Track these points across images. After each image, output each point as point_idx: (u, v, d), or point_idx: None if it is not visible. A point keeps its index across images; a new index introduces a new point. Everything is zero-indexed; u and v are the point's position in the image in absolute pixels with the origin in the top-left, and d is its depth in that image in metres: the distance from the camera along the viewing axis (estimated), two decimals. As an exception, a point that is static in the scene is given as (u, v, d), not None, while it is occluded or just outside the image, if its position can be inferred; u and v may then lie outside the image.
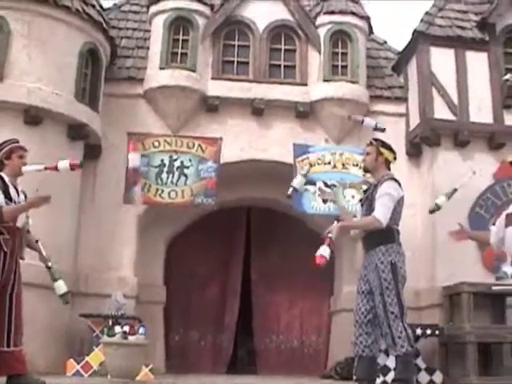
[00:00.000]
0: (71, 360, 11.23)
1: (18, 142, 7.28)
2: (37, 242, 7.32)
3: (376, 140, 6.90)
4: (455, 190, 7.69)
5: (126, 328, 9.87)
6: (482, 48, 14.25)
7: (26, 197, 7.20)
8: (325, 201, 12.68)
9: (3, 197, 6.80)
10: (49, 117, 12.19)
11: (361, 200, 7.08)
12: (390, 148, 6.79)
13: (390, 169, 6.76)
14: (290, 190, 7.23)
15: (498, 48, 14.27)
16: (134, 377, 9.38)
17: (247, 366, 16.40)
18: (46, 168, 7.19)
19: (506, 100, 13.88)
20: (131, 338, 9.58)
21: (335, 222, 6.60)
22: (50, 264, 7.23)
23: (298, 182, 7.28)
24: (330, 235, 6.40)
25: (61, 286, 7.26)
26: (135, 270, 13.33)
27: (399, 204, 6.51)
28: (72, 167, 7.27)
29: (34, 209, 7.01)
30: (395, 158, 6.88)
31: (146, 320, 12.24)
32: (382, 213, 6.35)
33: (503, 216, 7.41)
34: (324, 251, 6.30)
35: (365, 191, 6.96)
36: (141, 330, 9.88)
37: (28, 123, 12.05)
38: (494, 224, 7.79)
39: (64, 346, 11.98)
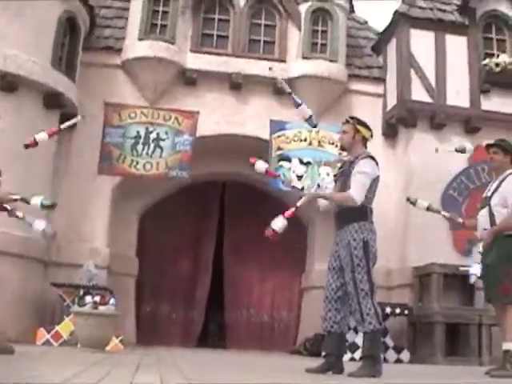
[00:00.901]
0: (41, 329, 11.20)
1: None
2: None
3: (352, 118, 6.89)
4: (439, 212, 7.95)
5: (97, 298, 9.87)
6: (462, 32, 14.30)
7: None
8: (299, 177, 12.72)
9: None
10: (24, 84, 12.08)
11: (335, 176, 7.09)
12: (366, 125, 6.77)
13: (366, 147, 6.77)
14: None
15: (478, 33, 14.33)
16: (103, 347, 9.39)
17: (217, 341, 16.48)
18: (26, 146, 7.12)
19: (484, 85, 13.96)
20: (101, 309, 9.57)
21: (313, 189, 6.63)
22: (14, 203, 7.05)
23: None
24: (297, 204, 6.48)
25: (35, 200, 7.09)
26: (108, 241, 13.31)
27: (375, 183, 6.51)
28: (50, 134, 7.21)
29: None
30: (372, 136, 6.87)
31: (118, 291, 12.26)
32: (357, 191, 6.35)
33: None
34: (277, 224, 6.52)
35: (340, 167, 6.96)
36: (111, 301, 9.87)
37: (3, 90, 11.93)
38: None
39: (35, 315, 11.95)
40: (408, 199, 8.06)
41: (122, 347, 10.76)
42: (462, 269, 11.83)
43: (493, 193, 7.29)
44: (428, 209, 7.88)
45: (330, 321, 6.49)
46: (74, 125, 13.21)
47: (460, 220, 8.11)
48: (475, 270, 7.87)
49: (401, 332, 12.85)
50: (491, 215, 7.19)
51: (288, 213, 6.56)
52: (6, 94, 11.92)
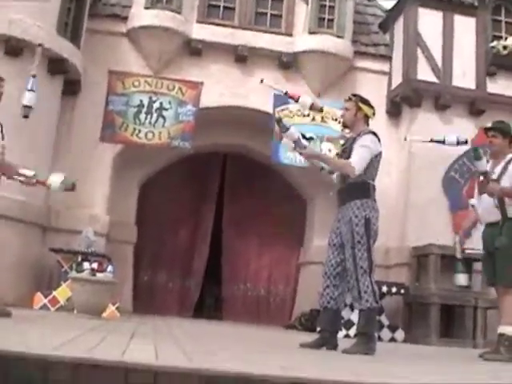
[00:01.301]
0: (38, 294, 11.24)
1: None
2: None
3: (355, 95, 6.87)
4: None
5: (95, 265, 9.94)
6: (470, 13, 14.21)
7: (2, 128, 7.14)
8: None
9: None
10: (29, 49, 11.99)
11: (337, 153, 7.08)
12: (368, 103, 6.75)
13: (368, 124, 6.75)
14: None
15: (487, 14, 14.25)
16: (99, 314, 9.42)
17: (213, 313, 16.56)
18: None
19: (490, 67, 13.91)
20: (99, 276, 9.61)
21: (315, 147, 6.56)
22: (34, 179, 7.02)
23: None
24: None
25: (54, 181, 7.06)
26: (107, 209, 13.34)
27: (377, 159, 6.50)
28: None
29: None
30: (374, 114, 6.84)
31: (116, 259, 12.30)
32: (357, 162, 6.34)
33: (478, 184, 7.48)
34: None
35: (343, 144, 6.95)
36: (109, 268, 9.92)
37: (8, 54, 11.89)
38: (472, 197, 7.84)
39: (33, 279, 11.98)
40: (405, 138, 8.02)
41: (119, 315, 10.80)
42: (468, 251, 11.77)
43: (500, 175, 7.23)
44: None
45: (327, 296, 6.51)
46: (78, 90, 13.33)
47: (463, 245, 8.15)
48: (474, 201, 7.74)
49: (396, 311, 12.90)
50: (501, 198, 7.14)
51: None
52: (11, 58, 11.87)
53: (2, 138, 7.17)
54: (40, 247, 12.25)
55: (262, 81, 7.41)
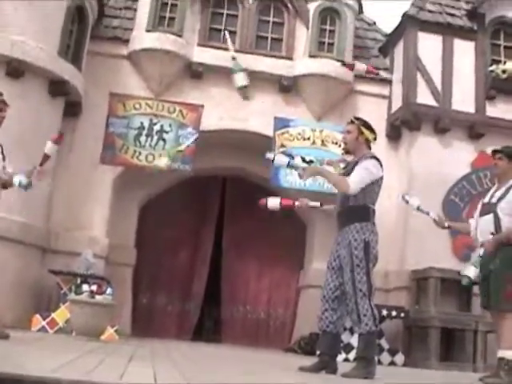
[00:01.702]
0: (37, 315, 11.21)
1: (1, 94, 7.17)
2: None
3: (358, 119, 6.86)
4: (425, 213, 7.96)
5: (94, 287, 9.88)
6: (470, 37, 14.29)
7: (2, 150, 7.16)
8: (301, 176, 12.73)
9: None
10: (31, 70, 12.07)
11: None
12: (370, 128, 6.74)
13: (370, 148, 6.74)
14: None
15: (486, 38, 14.32)
16: (98, 336, 9.39)
17: (212, 335, 16.49)
18: (41, 164, 7.15)
19: (490, 91, 13.96)
20: (98, 298, 9.57)
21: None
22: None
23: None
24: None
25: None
26: (107, 231, 13.33)
27: (378, 184, 6.49)
28: (56, 141, 7.21)
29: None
30: (375, 139, 6.83)
31: (115, 281, 12.27)
32: (354, 181, 6.32)
33: (479, 206, 7.51)
34: (271, 201, 7.11)
35: (344, 167, 6.93)
36: (108, 291, 9.88)
37: (9, 75, 11.92)
38: (472, 217, 7.87)
39: (31, 301, 11.96)
40: (403, 197, 8.15)
41: (117, 337, 10.77)
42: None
43: (499, 199, 7.26)
44: (418, 208, 7.92)
45: (325, 320, 6.49)
46: (79, 112, 13.36)
47: (446, 224, 8.18)
48: (468, 271, 7.82)
49: (396, 335, 12.85)
50: (497, 222, 7.17)
51: (286, 201, 6.68)
52: (12, 79, 11.90)
53: (3, 159, 7.19)
54: (39, 269, 12.23)
55: (259, 203, 7.49)
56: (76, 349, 6.25)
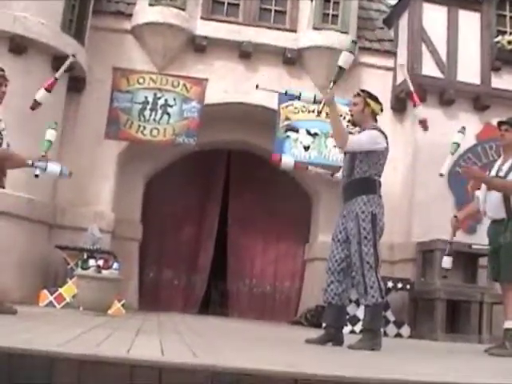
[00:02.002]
0: (44, 291, 11.25)
1: (2, 70, 7.13)
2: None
3: (363, 91, 6.85)
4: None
5: (100, 262, 9.91)
6: (475, 8, 14.17)
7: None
8: (306, 148, 12.72)
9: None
10: (33, 46, 12.02)
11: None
12: (376, 99, 6.74)
13: (376, 121, 6.74)
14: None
15: (491, 9, 14.19)
16: (105, 310, 9.44)
17: (219, 309, 16.56)
18: (32, 108, 7.06)
19: (495, 62, 13.86)
20: (105, 273, 9.61)
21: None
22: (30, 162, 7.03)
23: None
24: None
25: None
26: (113, 206, 13.35)
27: (383, 155, 6.51)
28: (48, 89, 7.10)
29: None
30: (382, 110, 6.84)
31: (121, 256, 12.31)
32: (354, 139, 6.43)
33: None
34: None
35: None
36: (115, 265, 9.91)
37: (12, 51, 11.87)
38: (478, 189, 7.86)
39: (39, 277, 12.00)
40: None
41: (124, 311, 10.82)
42: (474, 247, 11.73)
43: (507, 173, 7.26)
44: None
45: (331, 292, 6.51)
46: (83, 88, 13.34)
47: (458, 216, 8.19)
48: (445, 263, 7.94)
49: (402, 307, 12.88)
50: (507, 196, 7.18)
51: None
52: (15, 56, 11.86)
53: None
54: (46, 244, 12.26)
55: (257, 86, 7.38)
56: (83, 323, 6.28)
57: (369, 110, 6.67)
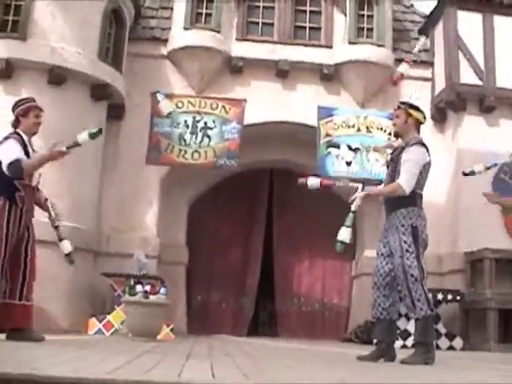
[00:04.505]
0: (93, 319, 11.32)
1: (34, 100, 7.24)
2: (46, 200, 7.35)
3: (403, 103, 6.81)
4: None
5: (148, 287, 9.93)
6: (509, 12, 14.03)
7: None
8: (348, 163, 12.65)
9: (24, 152, 6.83)
10: (72, 76, 12.16)
11: (387, 162, 7.02)
12: (418, 108, 6.71)
13: (419, 131, 6.70)
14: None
15: (526, 13, 14.06)
16: (154, 336, 9.44)
17: (268, 329, 16.49)
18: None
19: (533, 66, 13.70)
20: (152, 298, 9.62)
21: (359, 188, 6.61)
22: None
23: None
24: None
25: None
26: (157, 231, 13.40)
27: (425, 169, 6.45)
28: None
29: (52, 161, 6.98)
30: (425, 118, 6.83)
31: (168, 280, 12.34)
32: (406, 180, 6.32)
33: None
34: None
35: (392, 153, 6.89)
36: (162, 290, 9.91)
37: (51, 83, 12.03)
38: None
39: (87, 304, 12.08)
40: (465, 173, 8.05)
41: (173, 336, 10.83)
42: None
43: None
44: (488, 168, 7.94)
45: (378, 307, 6.45)
46: (122, 114, 13.45)
47: None
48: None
49: (453, 319, 12.72)
50: None
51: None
52: (54, 87, 12.01)
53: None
54: (92, 272, 12.34)
55: (299, 181, 7.49)
56: (133, 350, 6.28)
57: (412, 120, 6.64)
